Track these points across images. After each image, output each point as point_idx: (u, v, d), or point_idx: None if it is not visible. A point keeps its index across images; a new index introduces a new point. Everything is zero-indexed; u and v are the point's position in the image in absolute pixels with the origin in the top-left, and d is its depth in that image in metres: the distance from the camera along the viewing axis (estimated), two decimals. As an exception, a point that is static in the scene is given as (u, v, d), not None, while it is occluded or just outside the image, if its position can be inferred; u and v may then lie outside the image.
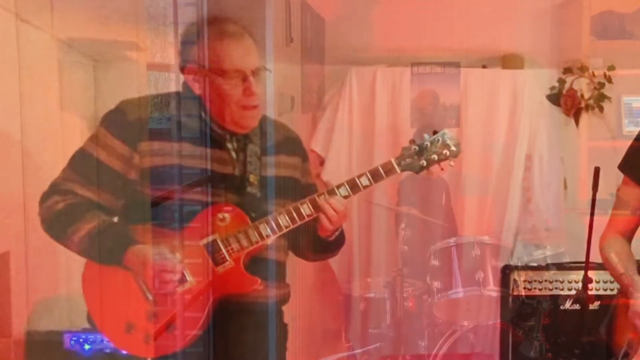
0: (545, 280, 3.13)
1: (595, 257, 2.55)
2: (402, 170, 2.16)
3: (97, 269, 2.05)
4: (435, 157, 2.16)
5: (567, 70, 4.14)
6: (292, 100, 3.57)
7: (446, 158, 2.17)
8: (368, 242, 4.26)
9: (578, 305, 3.05)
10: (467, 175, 4.17)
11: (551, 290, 3.13)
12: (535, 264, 3.26)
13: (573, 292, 3.09)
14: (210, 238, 2.08)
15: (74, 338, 2.21)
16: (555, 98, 4.19)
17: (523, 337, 3.09)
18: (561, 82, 4.16)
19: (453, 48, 4.17)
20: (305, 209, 2.11)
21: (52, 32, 2.35)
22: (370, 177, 2.14)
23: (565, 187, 4.24)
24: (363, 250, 4.24)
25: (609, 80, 4.08)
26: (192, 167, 2.08)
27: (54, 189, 2.05)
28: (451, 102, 4.17)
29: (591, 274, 2.82)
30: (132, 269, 2.02)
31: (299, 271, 3.45)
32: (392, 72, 4.23)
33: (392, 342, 3.63)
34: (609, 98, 4.12)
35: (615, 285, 2.48)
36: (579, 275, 3.02)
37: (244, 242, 2.08)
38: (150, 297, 2.03)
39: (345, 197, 2.13)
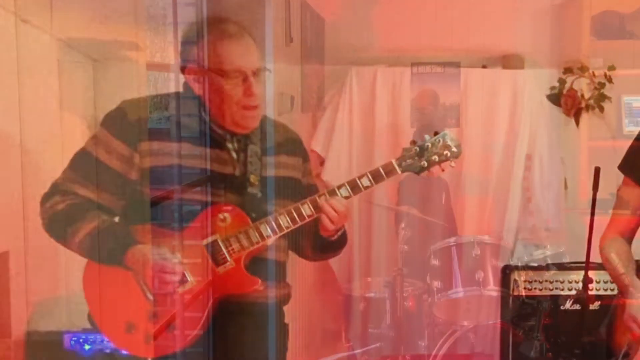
0: (546, 281, 3.13)
1: (596, 257, 2.55)
2: (402, 171, 2.17)
3: (98, 269, 2.05)
4: (436, 158, 2.16)
5: (568, 70, 4.13)
6: (292, 99, 3.56)
7: (447, 159, 2.17)
8: (368, 242, 4.25)
9: (578, 305, 3.04)
10: (468, 175, 4.16)
11: (551, 290, 3.12)
12: (535, 264, 3.26)
13: (573, 292, 3.09)
14: (210, 238, 2.08)
15: (74, 338, 2.21)
16: (555, 98, 4.19)
17: (523, 337, 3.09)
18: (561, 82, 4.16)
19: (453, 48, 4.16)
20: (306, 209, 2.10)
21: (52, 31, 2.35)
22: (371, 177, 2.14)
23: (566, 187, 4.24)
24: (363, 250, 4.24)
25: (610, 80, 4.08)
26: (193, 167, 2.08)
27: (55, 190, 2.05)
28: (451, 102, 4.17)
29: (591, 274, 2.82)
30: (132, 269, 2.02)
31: (299, 271, 3.45)
32: (393, 72, 4.23)
33: (392, 342, 3.62)
34: (609, 98, 4.12)
35: (616, 286, 2.48)
36: (579, 275, 3.02)
37: (245, 243, 2.08)
38: (150, 297, 2.03)
39: (346, 197, 2.13)
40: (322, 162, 4.26)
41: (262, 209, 2.13)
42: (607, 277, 2.99)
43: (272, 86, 2.28)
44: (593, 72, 4.08)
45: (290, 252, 2.30)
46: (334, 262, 4.10)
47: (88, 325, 2.12)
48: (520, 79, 4.20)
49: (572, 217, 4.10)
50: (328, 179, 4.09)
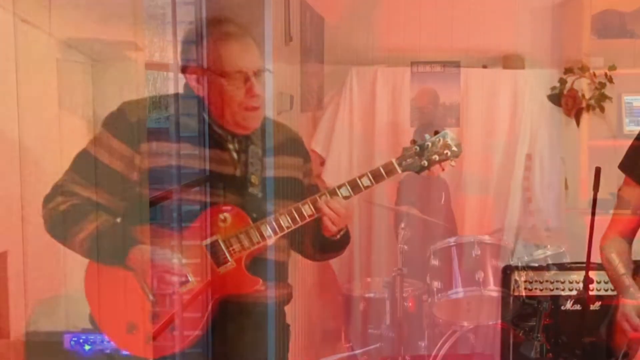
0: (546, 281, 3.12)
1: (596, 258, 2.54)
2: (403, 171, 2.16)
3: (100, 270, 2.05)
4: (436, 157, 2.16)
5: (568, 70, 4.13)
6: (291, 99, 3.55)
7: (447, 158, 2.17)
8: (368, 242, 4.25)
9: (579, 305, 3.04)
10: (468, 174, 4.16)
11: (552, 290, 3.12)
12: (536, 264, 3.25)
13: (574, 293, 3.08)
14: (211, 239, 2.08)
15: (74, 338, 2.21)
16: (556, 98, 4.19)
17: (524, 337, 3.08)
18: (562, 82, 4.16)
19: (453, 48, 4.16)
20: (307, 209, 2.10)
21: (51, 31, 2.34)
22: (371, 177, 2.13)
23: (566, 187, 4.23)
24: (363, 250, 4.24)
25: (610, 80, 4.08)
26: (194, 168, 2.08)
27: (57, 191, 2.05)
28: (451, 101, 4.16)
29: (592, 274, 2.81)
30: (134, 269, 2.02)
31: (299, 271, 3.44)
32: (393, 72, 4.23)
33: (392, 342, 3.62)
34: (609, 98, 4.12)
35: (614, 286, 2.47)
36: (579, 275, 3.02)
37: (246, 243, 2.08)
38: (152, 297, 2.03)
39: (346, 197, 2.12)
40: (322, 162, 4.26)
41: (262, 209, 2.13)
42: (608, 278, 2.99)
43: (272, 85, 2.27)
44: (594, 72, 4.08)
45: (291, 252, 2.29)
46: (334, 262, 4.10)
47: (88, 326, 2.11)
48: (520, 79, 4.20)
49: (573, 217, 4.09)
50: (328, 179, 4.09)
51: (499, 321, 3.21)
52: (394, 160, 2.15)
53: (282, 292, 2.24)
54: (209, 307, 2.06)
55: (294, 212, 2.10)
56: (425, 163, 2.16)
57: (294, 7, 3.60)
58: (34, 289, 2.29)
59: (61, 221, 2.03)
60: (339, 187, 2.12)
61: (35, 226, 2.07)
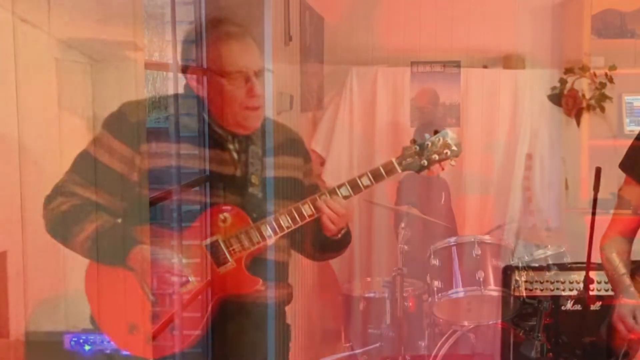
0: (547, 281, 3.12)
1: (597, 258, 2.54)
2: (403, 170, 2.16)
3: (100, 270, 2.05)
4: (436, 156, 2.16)
5: (569, 70, 4.13)
6: (291, 99, 3.55)
7: (447, 158, 2.16)
8: (368, 241, 4.25)
9: (579, 305, 3.04)
10: (468, 174, 4.16)
11: (552, 290, 3.12)
12: (536, 264, 3.25)
13: (574, 293, 3.08)
14: (211, 239, 2.07)
15: (74, 339, 2.20)
16: (556, 98, 4.19)
17: (524, 337, 3.09)
18: (562, 82, 4.16)
19: (453, 48, 4.16)
20: (306, 209, 2.10)
21: (50, 30, 2.34)
22: (371, 177, 2.13)
23: (567, 186, 4.23)
24: (363, 250, 4.24)
25: (610, 80, 4.08)
26: (195, 168, 2.08)
27: (57, 192, 2.05)
28: (451, 101, 4.16)
29: (592, 274, 2.82)
30: (135, 270, 2.02)
31: (299, 271, 3.44)
32: (393, 72, 4.23)
33: (392, 342, 3.61)
34: (610, 98, 4.12)
35: (612, 285, 2.46)
36: (580, 275, 3.02)
37: (246, 243, 2.08)
38: (152, 297, 2.02)
39: (346, 197, 2.12)
40: (322, 162, 4.26)
41: (263, 209, 2.13)
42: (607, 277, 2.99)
43: (271, 85, 2.27)
44: (594, 72, 4.08)
45: (292, 252, 2.29)
46: (334, 262, 4.10)
47: (88, 326, 2.11)
48: (521, 79, 4.20)
49: (573, 217, 4.09)
50: (328, 179, 4.09)
51: (500, 321, 3.21)
52: (393, 160, 2.15)
53: (282, 292, 2.24)
54: (209, 307, 2.05)
55: (294, 212, 2.09)
56: (425, 162, 2.16)
57: (294, 7, 3.60)
58: (34, 289, 2.28)
59: (62, 222, 2.03)
60: (339, 186, 2.12)
61: (35, 226, 2.06)
